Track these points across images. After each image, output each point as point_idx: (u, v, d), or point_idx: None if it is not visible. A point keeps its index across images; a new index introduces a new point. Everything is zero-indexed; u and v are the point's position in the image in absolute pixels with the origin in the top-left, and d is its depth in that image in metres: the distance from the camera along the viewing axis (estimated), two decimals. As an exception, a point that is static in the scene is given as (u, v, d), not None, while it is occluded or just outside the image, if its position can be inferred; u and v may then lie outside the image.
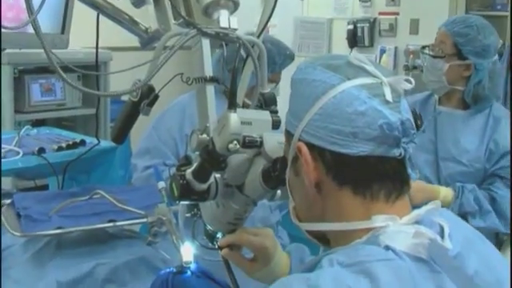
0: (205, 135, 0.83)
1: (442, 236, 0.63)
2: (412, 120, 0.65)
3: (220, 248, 0.97)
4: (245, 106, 0.98)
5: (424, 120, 1.25)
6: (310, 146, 0.66)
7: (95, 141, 1.66)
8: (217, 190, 0.89)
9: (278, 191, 0.90)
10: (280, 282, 0.62)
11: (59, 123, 2.91)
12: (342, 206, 0.67)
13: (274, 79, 1.63)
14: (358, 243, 0.64)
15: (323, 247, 0.74)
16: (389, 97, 0.64)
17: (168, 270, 1.11)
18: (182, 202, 1.01)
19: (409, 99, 0.71)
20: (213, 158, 0.81)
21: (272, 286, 0.61)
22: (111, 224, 1.30)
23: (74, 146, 1.85)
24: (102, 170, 2.07)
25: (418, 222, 0.65)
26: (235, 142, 0.76)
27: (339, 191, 0.67)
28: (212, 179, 0.88)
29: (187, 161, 0.90)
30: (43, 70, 2.81)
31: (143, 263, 1.26)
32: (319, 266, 0.62)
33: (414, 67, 3.22)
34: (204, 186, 0.87)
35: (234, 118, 0.76)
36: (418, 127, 0.65)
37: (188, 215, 1.03)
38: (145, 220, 1.25)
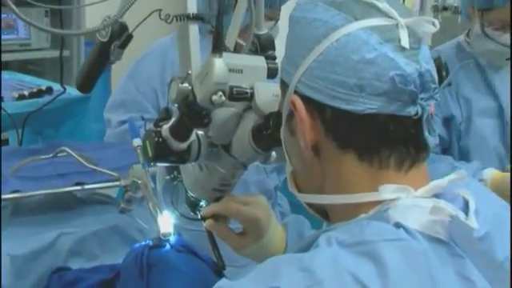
0: (186, 84, 0.80)
1: (467, 212, 0.61)
2: (433, 72, 0.61)
3: (203, 219, 0.96)
4: (237, 49, 0.94)
5: (450, 72, 1.22)
6: (307, 100, 0.64)
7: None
8: (199, 151, 0.88)
9: (273, 152, 0.90)
10: (267, 263, 0.60)
11: (24, 67, 2.85)
12: (344, 174, 0.66)
13: (273, 16, 1.55)
14: (362, 219, 0.63)
15: (327, 223, 0.73)
16: (405, 42, 0.60)
17: (144, 242, 1.12)
18: (159, 164, 1.00)
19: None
20: (193, 112, 0.79)
21: (257, 268, 0.60)
22: (78, 187, 1.29)
23: (39, 94, 1.82)
24: (72, 123, 2.06)
25: (437, 196, 0.63)
26: (220, 93, 0.74)
27: (341, 156, 0.65)
28: (193, 137, 0.86)
29: (167, 114, 0.88)
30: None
31: (116, 233, 1.27)
32: (315, 245, 0.61)
33: (445, 8, 3.11)
34: (183, 146, 0.85)
35: (220, 63, 0.73)
36: (441, 80, 0.61)
37: (167, 178, 1.03)
38: (117, 183, 1.24)
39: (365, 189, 0.64)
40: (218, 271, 1.07)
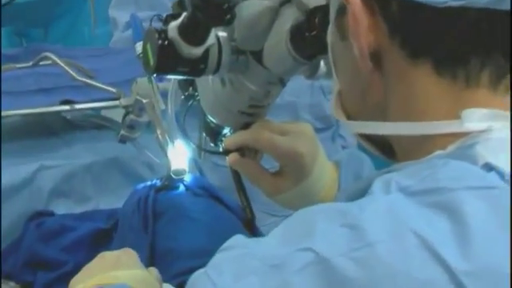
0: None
1: None
2: None
3: (226, 152, 0.97)
4: None
5: None
6: None
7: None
8: (219, 59, 0.87)
9: (322, 64, 0.89)
10: (299, 215, 0.59)
11: None
12: (416, 93, 0.63)
13: None
14: (438, 157, 0.60)
15: (391, 162, 0.71)
16: None
17: (150, 182, 1.14)
18: (169, 77, 1.02)
19: None
20: (211, 4, 0.78)
21: (286, 221, 0.59)
22: (66, 107, 1.31)
23: (20, -19, 1.81)
24: (66, 23, 2.07)
25: None
26: None
27: (411, 69, 0.63)
28: (212, 40, 0.85)
29: (181, 8, 0.89)
30: None
31: (115, 168, 1.30)
32: (369, 192, 0.59)
33: None
34: (197, 51, 0.84)
35: None
36: None
37: (182, 97, 1.05)
38: (117, 103, 1.26)
39: (443, 115, 0.62)
40: (250, 223, 1.08)
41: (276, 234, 0.59)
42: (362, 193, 0.60)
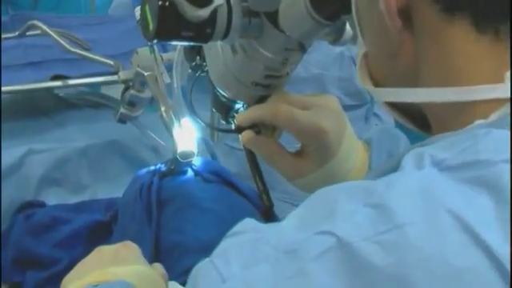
0: None
1: None
2: None
3: (239, 130, 0.98)
4: None
5: None
6: None
7: None
8: (229, 22, 0.87)
9: (348, 27, 0.89)
10: (319, 194, 0.60)
11: None
12: (452, 54, 0.63)
13: None
14: (479, 127, 0.60)
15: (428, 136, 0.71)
16: None
17: (153, 167, 1.15)
18: (173, 44, 1.06)
19: None
20: None
21: (304, 202, 0.59)
22: (58, 83, 1.31)
23: None
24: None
25: None
26: None
27: (447, 26, 0.63)
28: (220, 0, 0.85)
29: None
30: None
31: (114, 152, 1.31)
32: (401, 167, 0.59)
33: None
34: (203, 13, 0.85)
35: None
36: None
37: (189, 69, 1.04)
38: (115, 77, 1.26)
39: (485, 78, 0.61)
40: (267, 212, 1.09)
41: (292, 217, 0.59)
42: (393, 171, 0.60)
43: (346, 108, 1.77)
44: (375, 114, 1.97)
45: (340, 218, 0.55)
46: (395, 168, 0.60)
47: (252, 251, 0.57)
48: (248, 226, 0.62)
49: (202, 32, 0.86)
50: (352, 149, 0.98)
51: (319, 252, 0.54)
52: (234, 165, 1.68)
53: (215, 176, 1.14)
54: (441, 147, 0.58)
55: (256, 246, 0.57)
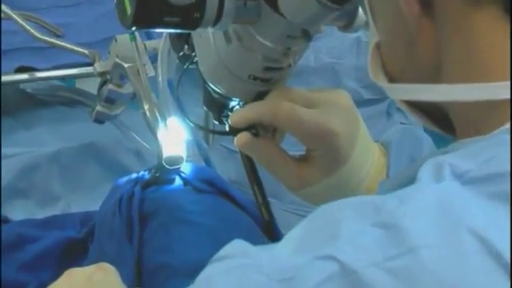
0: None
1: None
2: None
3: (233, 131, 0.99)
4: None
5: None
6: None
7: None
8: (221, 5, 0.88)
9: (360, 12, 0.90)
10: (323, 210, 0.60)
11: None
12: (479, 44, 0.63)
13: None
14: (507, 131, 0.60)
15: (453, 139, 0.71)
16: None
17: (135, 175, 1.16)
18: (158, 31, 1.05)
19: None
20: None
21: (305, 220, 0.60)
22: (24, 76, 1.32)
23: None
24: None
25: None
26: None
27: (472, 11, 0.63)
28: None
29: None
30: None
31: (90, 157, 1.32)
32: (417, 179, 0.59)
33: None
34: None
35: None
36: None
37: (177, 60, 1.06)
38: (91, 69, 1.26)
39: None
40: (267, 227, 1.09)
41: (289, 239, 0.59)
42: (410, 181, 0.60)
43: (365, 103, 1.78)
44: (399, 110, 1.97)
45: (344, 240, 0.55)
46: (413, 178, 0.61)
47: (240, 279, 0.57)
48: (237, 249, 0.62)
49: (189, 17, 0.86)
50: (366, 154, 0.98)
51: (319, 280, 0.54)
52: (233, 171, 1.68)
53: (208, 185, 1.15)
54: (464, 156, 0.58)
55: (245, 274, 0.58)
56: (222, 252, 0.62)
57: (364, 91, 1.96)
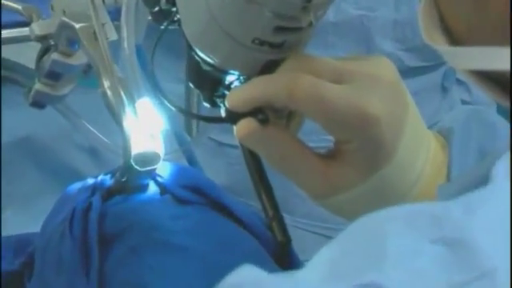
0: None
1: None
2: None
3: (232, 118, 1.00)
4: None
5: None
6: None
7: None
8: None
9: None
10: (362, 223, 0.61)
11: None
12: None
13: None
14: None
15: None
16: None
17: (92, 180, 1.17)
18: None
19: None
20: None
21: (341, 235, 0.61)
22: None
23: None
24: None
25: None
26: None
27: None
28: None
29: None
30: None
31: (27, 156, 1.33)
32: (490, 179, 0.60)
33: None
34: None
35: None
36: None
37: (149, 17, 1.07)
38: (26, 31, 1.27)
39: None
40: (282, 250, 1.11)
41: (318, 262, 0.60)
42: (482, 183, 0.61)
43: (408, 73, 1.80)
44: (459, 82, 1.97)
45: (393, 263, 0.56)
46: (485, 179, 0.61)
47: None
48: (246, 278, 0.62)
49: None
50: (419, 147, 1.00)
51: None
52: (225, 173, 1.68)
53: (195, 193, 1.16)
54: None
55: None
56: (229, 281, 0.62)
57: (406, 56, 1.97)
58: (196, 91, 1.08)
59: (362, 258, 0.58)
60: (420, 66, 1.96)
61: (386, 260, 0.56)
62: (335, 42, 1.89)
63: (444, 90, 2.04)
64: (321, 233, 1.65)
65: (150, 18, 1.06)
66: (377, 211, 0.62)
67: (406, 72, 1.94)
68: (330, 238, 1.61)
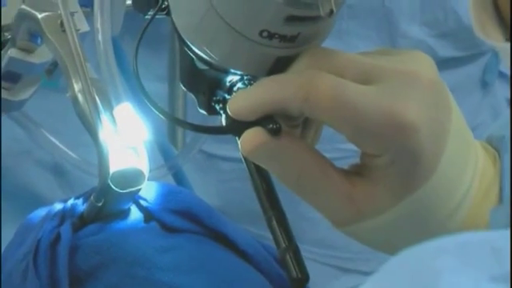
0: None
1: None
2: None
3: (235, 127, 1.01)
4: None
5: None
6: None
7: None
8: None
9: None
10: (406, 257, 0.63)
11: None
12: None
13: None
14: None
15: None
16: None
17: (63, 205, 1.18)
18: None
19: None
20: None
21: (381, 272, 0.62)
22: None
23: None
24: None
25: None
26: None
27: None
28: None
29: None
30: None
31: None
32: None
33: None
34: None
35: None
36: None
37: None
38: None
39: None
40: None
41: None
42: None
43: (441, 65, 1.83)
44: (503, 76, 1.98)
45: None
46: None
47: None
48: None
49: None
50: (465, 161, 1.01)
51: None
52: (216, 192, 1.68)
53: (187, 219, 1.17)
54: None
55: None
56: None
57: (438, 44, 1.98)
58: (182, 92, 1.08)
59: None
60: (455, 56, 1.97)
61: None
62: (351, 28, 1.89)
63: (484, 85, 2.04)
64: (335, 264, 1.67)
65: (128, 4, 1.07)
66: (421, 244, 0.64)
67: (438, 64, 1.93)
68: (347, 270, 1.64)
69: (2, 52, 1.25)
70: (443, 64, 1.93)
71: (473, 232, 0.66)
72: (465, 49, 1.94)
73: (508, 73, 2.01)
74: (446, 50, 1.95)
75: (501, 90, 2.01)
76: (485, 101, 1.97)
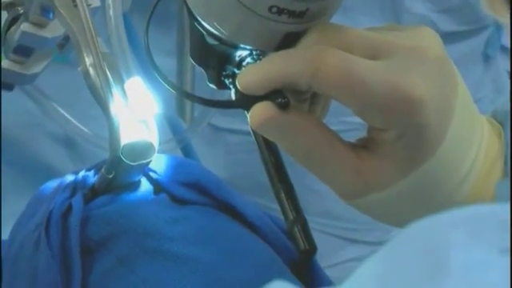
0: None
1: None
2: None
3: (244, 102, 1.01)
4: None
5: None
6: None
7: None
8: None
9: None
10: (415, 231, 0.63)
11: None
12: None
13: None
14: None
15: None
16: None
17: (74, 177, 1.18)
18: None
19: None
20: None
21: (390, 245, 0.62)
22: None
23: None
24: None
25: None
26: None
27: None
28: None
29: None
30: None
31: None
32: None
33: None
34: None
35: None
36: None
37: None
38: None
39: None
40: (304, 259, 1.13)
41: (362, 278, 0.61)
42: None
43: (444, 39, 1.83)
44: (505, 49, 1.97)
45: (457, 278, 0.57)
46: None
47: None
48: None
49: None
50: (470, 135, 1.01)
51: None
52: (223, 164, 1.68)
53: (196, 191, 1.17)
54: None
55: None
56: None
57: (441, 19, 1.97)
58: (191, 67, 1.08)
59: (418, 274, 0.59)
60: (458, 30, 1.96)
61: (449, 276, 0.57)
62: (355, 3, 1.89)
63: (487, 59, 2.04)
64: (341, 235, 1.67)
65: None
66: (431, 216, 0.63)
67: (441, 38, 1.93)
68: (353, 241, 1.64)
69: (14, 27, 1.25)
70: (445, 38, 1.91)
71: (480, 205, 0.65)
72: (467, 23, 1.94)
73: (509, 46, 2.00)
74: (449, 25, 1.94)
75: (503, 63, 2.00)
76: (487, 74, 1.96)
